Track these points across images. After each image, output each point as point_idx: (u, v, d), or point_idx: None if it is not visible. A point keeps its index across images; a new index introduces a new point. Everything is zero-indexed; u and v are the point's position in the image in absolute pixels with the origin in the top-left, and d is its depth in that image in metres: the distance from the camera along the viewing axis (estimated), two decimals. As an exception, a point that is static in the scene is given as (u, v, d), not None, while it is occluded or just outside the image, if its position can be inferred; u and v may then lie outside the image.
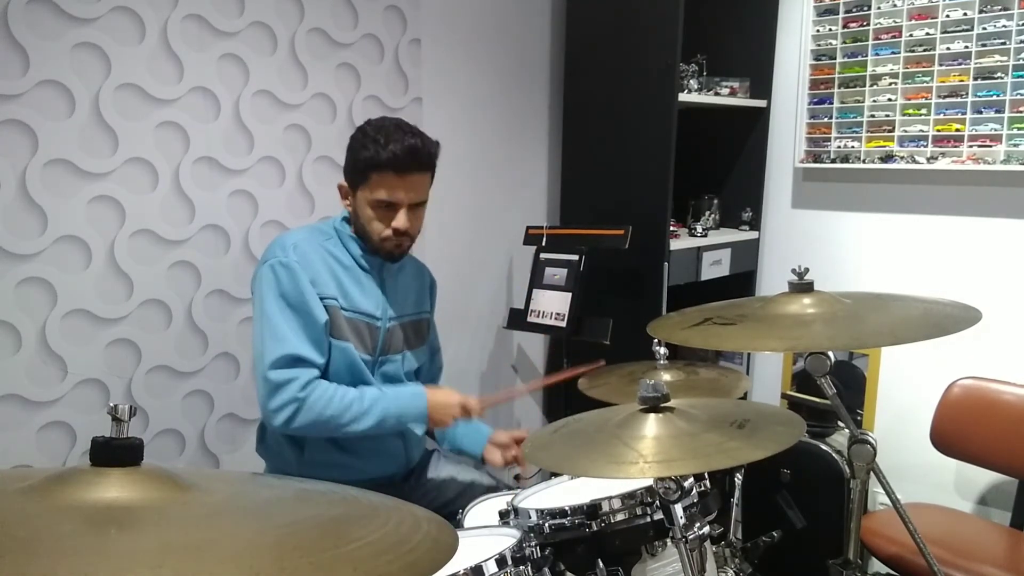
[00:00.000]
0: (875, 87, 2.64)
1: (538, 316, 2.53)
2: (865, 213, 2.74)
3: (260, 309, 1.71)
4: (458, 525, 1.61)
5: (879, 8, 2.61)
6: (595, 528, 1.41)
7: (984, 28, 2.41)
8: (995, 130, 2.41)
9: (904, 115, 2.59)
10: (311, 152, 2.25)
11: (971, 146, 2.46)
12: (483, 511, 1.67)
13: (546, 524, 1.42)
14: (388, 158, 1.69)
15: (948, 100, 2.50)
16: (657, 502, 1.39)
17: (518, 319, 2.61)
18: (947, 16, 2.48)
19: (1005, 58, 2.38)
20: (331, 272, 1.75)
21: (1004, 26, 2.38)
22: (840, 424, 2.47)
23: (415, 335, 1.92)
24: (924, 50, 2.54)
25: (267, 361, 1.65)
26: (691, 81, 2.68)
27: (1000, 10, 2.39)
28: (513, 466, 1.95)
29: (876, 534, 2.15)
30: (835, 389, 1.46)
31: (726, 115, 2.90)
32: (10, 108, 1.75)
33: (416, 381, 1.94)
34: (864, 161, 2.68)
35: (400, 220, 1.73)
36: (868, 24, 2.64)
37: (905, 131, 2.59)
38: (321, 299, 1.71)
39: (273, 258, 1.71)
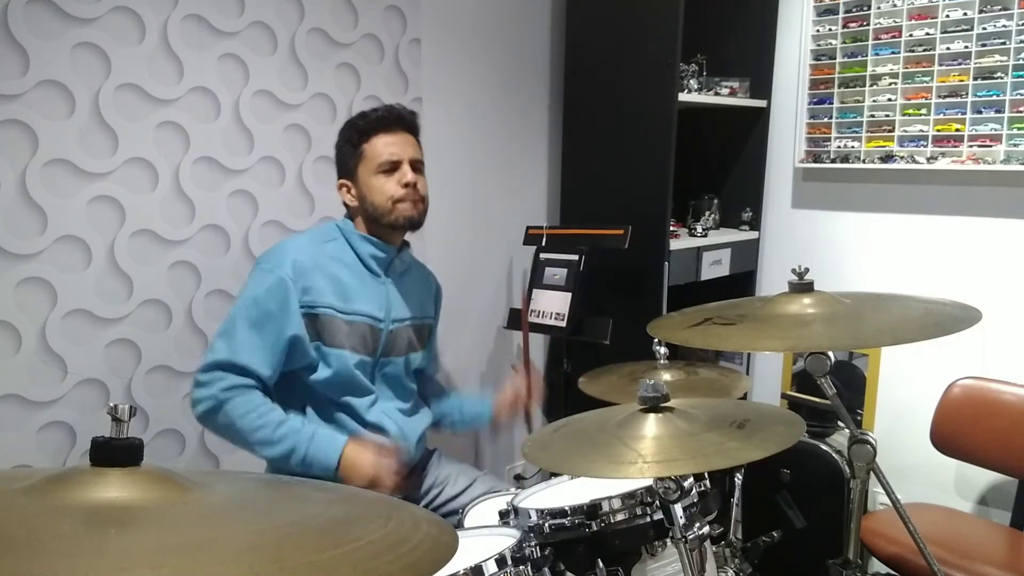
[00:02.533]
0: (875, 87, 2.64)
1: (538, 316, 2.53)
2: (865, 213, 2.74)
3: (234, 308, 1.70)
4: (458, 525, 1.61)
5: (879, 8, 2.61)
6: (595, 528, 1.41)
7: (984, 28, 2.41)
8: (995, 130, 2.41)
9: (904, 115, 2.59)
10: (311, 152, 2.25)
11: (971, 146, 2.46)
12: (483, 511, 1.67)
13: (546, 524, 1.42)
14: (373, 120, 1.78)
15: (948, 100, 2.50)
16: (657, 502, 1.39)
17: (518, 319, 2.61)
18: (947, 16, 2.48)
19: (1005, 58, 2.38)
20: (331, 276, 1.74)
21: (1004, 26, 2.38)
22: (840, 424, 2.47)
23: (418, 339, 1.92)
24: (924, 50, 2.54)
25: (206, 361, 1.65)
26: (691, 81, 2.68)
27: (1000, 10, 2.38)
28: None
29: (876, 534, 2.15)
30: (835, 389, 1.46)
31: (726, 115, 2.90)
32: (10, 108, 1.75)
33: (416, 382, 1.95)
34: (864, 161, 2.68)
35: (407, 174, 1.77)
36: (868, 24, 2.64)
37: (905, 131, 2.59)
38: (315, 308, 1.70)
39: (267, 264, 1.71)
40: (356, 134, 1.78)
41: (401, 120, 1.81)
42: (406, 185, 1.76)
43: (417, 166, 1.81)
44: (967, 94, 2.46)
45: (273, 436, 1.64)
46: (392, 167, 1.77)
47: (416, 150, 1.82)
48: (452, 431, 2.07)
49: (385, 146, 1.77)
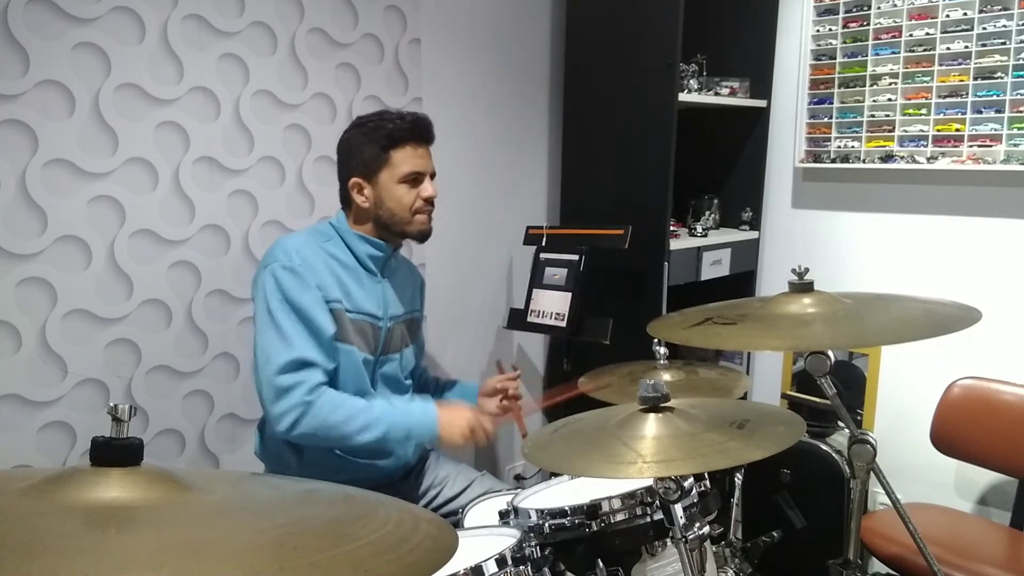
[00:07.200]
0: (875, 87, 2.64)
1: (538, 316, 2.53)
2: (865, 213, 2.74)
3: (265, 313, 1.69)
4: (458, 525, 1.61)
5: (879, 8, 2.61)
6: (595, 528, 1.41)
7: (984, 28, 2.41)
8: (995, 130, 2.41)
9: (904, 115, 2.59)
10: (311, 152, 2.25)
11: (971, 146, 2.46)
12: (483, 511, 1.67)
13: (546, 524, 1.42)
14: (409, 129, 1.78)
15: (948, 100, 2.50)
16: (657, 502, 1.39)
17: (518, 319, 2.61)
18: (947, 16, 2.48)
19: (1005, 58, 2.38)
20: (333, 274, 1.75)
21: (1004, 26, 2.38)
22: (840, 424, 2.47)
23: (410, 333, 1.93)
24: (924, 50, 2.54)
25: (276, 365, 1.64)
26: (691, 81, 2.67)
27: (1000, 10, 2.38)
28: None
29: (876, 534, 2.15)
30: (835, 389, 1.46)
31: (726, 115, 2.90)
32: (10, 108, 1.75)
33: (412, 380, 1.95)
34: (864, 161, 2.68)
35: (429, 188, 1.81)
36: (868, 24, 2.64)
37: (905, 131, 2.59)
38: (327, 302, 1.71)
39: (275, 262, 1.70)
40: (386, 139, 1.77)
41: (429, 133, 1.84)
42: (427, 199, 1.80)
43: (433, 179, 1.85)
44: (967, 94, 2.46)
45: (368, 422, 1.68)
46: (416, 179, 1.80)
47: (433, 163, 1.85)
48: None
49: (413, 157, 1.79)
